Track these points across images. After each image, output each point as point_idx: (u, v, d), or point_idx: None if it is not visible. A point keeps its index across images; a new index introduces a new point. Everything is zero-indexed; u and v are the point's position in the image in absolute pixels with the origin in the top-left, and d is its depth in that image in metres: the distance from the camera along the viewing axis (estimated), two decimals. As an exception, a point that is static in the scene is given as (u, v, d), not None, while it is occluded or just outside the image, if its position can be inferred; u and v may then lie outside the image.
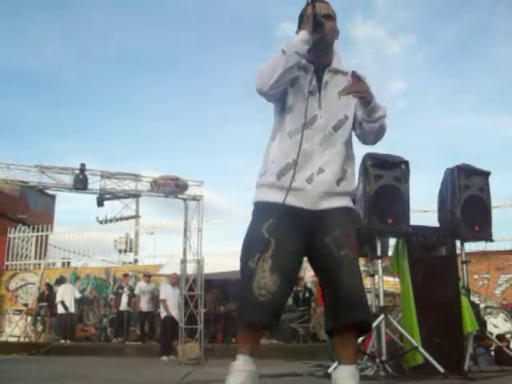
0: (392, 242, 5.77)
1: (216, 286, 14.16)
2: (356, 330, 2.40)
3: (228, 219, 16.91)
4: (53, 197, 30.19)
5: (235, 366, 2.34)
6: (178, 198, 10.15)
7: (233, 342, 13.49)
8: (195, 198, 10.21)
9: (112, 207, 16.78)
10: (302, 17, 2.65)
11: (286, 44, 2.43)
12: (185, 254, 10.22)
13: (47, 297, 14.46)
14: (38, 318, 14.71)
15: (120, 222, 17.21)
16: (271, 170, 2.51)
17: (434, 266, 5.11)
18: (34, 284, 15.69)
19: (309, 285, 13.76)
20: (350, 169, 2.58)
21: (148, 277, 13.68)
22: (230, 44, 52.46)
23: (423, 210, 12.04)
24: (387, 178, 4.91)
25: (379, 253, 5.09)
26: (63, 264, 17.46)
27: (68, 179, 9.35)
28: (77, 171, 9.16)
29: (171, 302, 10.93)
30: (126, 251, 17.48)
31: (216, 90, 52.12)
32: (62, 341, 13.19)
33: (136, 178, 9.89)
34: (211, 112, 51.52)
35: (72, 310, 13.72)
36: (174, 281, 11.16)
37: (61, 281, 14.34)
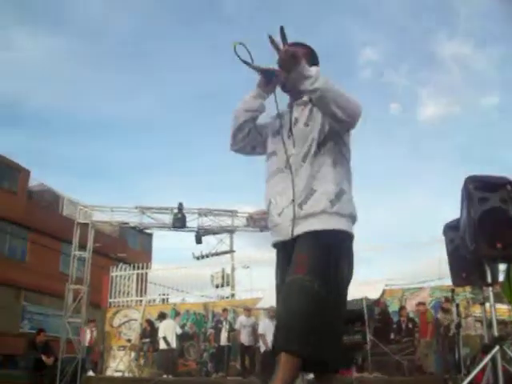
0: (502, 267, 5.47)
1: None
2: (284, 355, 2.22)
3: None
4: (150, 235, 31.29)
5: None
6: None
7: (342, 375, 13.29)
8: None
9: (207, 243, 17.07)
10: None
11: (238, 102, 2.57)
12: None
13: (149, 333, 14.80)
14: (141, 353, 15.06)
15: (215, 257, 17.47)
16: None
17: (549, 293, 4.79)
18: (136, 320, 16.12)
19: (411, 315, 13.30)
20: (322, 188, 2.48)
21: (248, 311, 13.67)
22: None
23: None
24: (493, 201, 4.65)
25: (489, 280, 4.82)
26: (163, 300, 17.86)
27: (167, 218, 9.66)
28: (175, 210, 9.44)
29: (270, 335, 10.86)
30: (222, 286, 17.64)
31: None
32: (165, 376, 13.39)
33: (232, 214, 10.06)
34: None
35: (173, 345, 13.92)
36: (272, 314, 11.13)
37: (162, 317, 14.62)
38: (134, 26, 47.18)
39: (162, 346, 13.78)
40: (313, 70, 2.32)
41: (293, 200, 2.44)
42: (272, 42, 2.28)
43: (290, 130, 2.58)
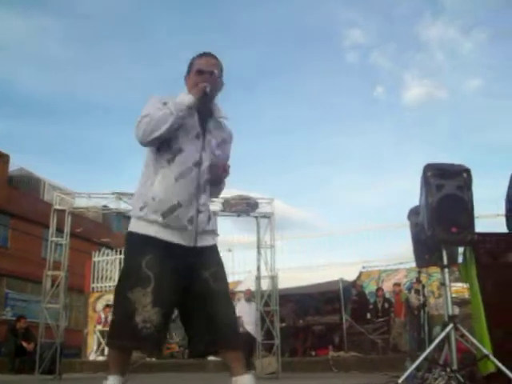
0: (460, 250, 5.70)
1: (293, 300, 14.24)
2: (236, 349, 2.76)
3: (302, 233, 17.00)
4: (133, 219, 31.30)
5: None
6: (250, 216, 10.38)
7: (312, 356, 13.57)
8: (266, 216, 10.40)
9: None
10: (190, 66, 2.87)
11: (173, 104, 2.63)
12: (259, 270, 10.40)
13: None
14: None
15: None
16: (153, 207, 2.64)
17: (503, 273, 5.01)
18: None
19: (387, 295, 13.61)
20: (210, 209, 2.87)
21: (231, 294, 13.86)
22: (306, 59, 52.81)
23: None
24: (449, 188, 4.85)
25: (446, 262, 5.05)
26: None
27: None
28: (139, 190, 9.55)
29: (246, 317, 11.08)
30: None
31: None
32: (148, 359, 13.57)
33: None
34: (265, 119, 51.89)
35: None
36: (248, 296, 11.35)
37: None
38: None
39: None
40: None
41: (200, 211, 2.71)
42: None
43: (204, 136, 2.77)
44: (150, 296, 2.52)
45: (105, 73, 50.90)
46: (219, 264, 2.77)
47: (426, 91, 49.58)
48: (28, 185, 28.15)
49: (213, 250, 2.78)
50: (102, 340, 15.38)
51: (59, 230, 10.33)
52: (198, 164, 2.69)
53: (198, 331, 2.69)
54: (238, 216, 10.31)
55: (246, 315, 11.09)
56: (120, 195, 10.07)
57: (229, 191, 10.37)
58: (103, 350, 15.27)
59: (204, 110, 2.79)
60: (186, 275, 2.63)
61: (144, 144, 2.67)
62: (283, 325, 12.60)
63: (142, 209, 2.67)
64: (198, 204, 2.68)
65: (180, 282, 2.62)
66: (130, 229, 2.73)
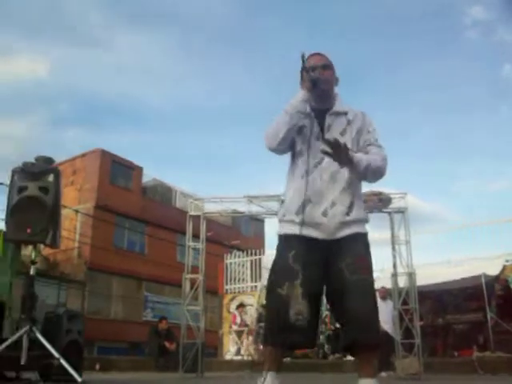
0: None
1: (431, 297, 13.71)
2: (366, 348, 2.63)
3: (437, 226, 16.38)
4: (262, 222, 31.82)
5: (259, 381, 2.63)
6: (383, 212, 10.11)
7: (454, 356, 12.98)
8: (400, 210, 10.07)
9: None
10: (302, 71, 2.85)
11: (288, 104, 2.74)
12: (395, 267, 10.09)
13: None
14: (258, 337, 15.42)
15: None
16: (288, 208, 2.82)
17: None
18: (251, 306, 16.52)
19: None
20: (358, 199, 2.82)
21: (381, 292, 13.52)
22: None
23: None
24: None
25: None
26: (277, 285, 18.13)
27: (275, 205, 9.87)
28: (282, 197, 9.58)
29: (383, 316, 10.73)
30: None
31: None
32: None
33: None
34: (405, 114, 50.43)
35: (290, 328, 14.10)
36: (383, 294, 11.03)
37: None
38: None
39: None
40: (359, 157, 2.70)
41: (334, 203, 2.72)
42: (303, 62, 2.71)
43: (322, 134, 2.80)
44: (299, 289, 2.60)
45: (225, 82, 52.33)
46: (358, 253, 2.71)
47: None
48: (160, 194, 29.54)
49: (353, 238, 2.73)
50: (237, 340, 15.75)
51: (194, 235, 10.66)
52: (321, 162, 2.76)
53: (341, 327, 2.76)
54: (370, 212, 10.05)
55: (383, 314, 10.61)
56: (251, 198, 10.22)
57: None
58: (239, 349, 15.62)
59: (321, 108, 2.85)
60: (327, 268, 2.69)
61: (272, 149, 2.81)
62: (421, 323, 12.14)
63: (283, 215, 2.86)
64: (331, 197, 2.73)
65: (322, 275, 2.69)
66: (277, 233, 2.88)
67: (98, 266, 24.08)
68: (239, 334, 15.15)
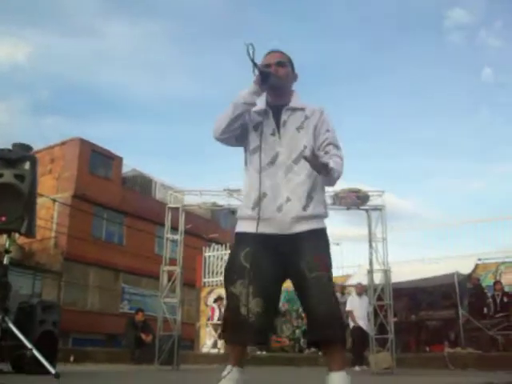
0: None
1: (406, 294, 13.87)
2: (331, 344, 2.64)
3: (414, 224, 16.55)
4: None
5: (223, 375, 2.65)
6: (360, 209, 10.21)
7: (426, 351, 13.16)
8: (377, 208, 10.18)
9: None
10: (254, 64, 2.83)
11: (236, 96, 2.75)
12: (371, 264, 10.20)
13: (242, 310, 15.14)
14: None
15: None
16: (244, 203, 2.83)
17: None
18: (229, 299, 16.55)
19: (507, 289, 12.90)
20: (317, 194, 2.79)
21: (341, 288, 13.61)
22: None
23: None
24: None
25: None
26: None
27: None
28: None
29: (358, 312, 10.91)
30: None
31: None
32: (258, 352, 13.74)
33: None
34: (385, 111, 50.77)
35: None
36: (359, 291, 11.18)
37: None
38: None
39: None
40: (333, 164, 2.65)
41: (289, 199, 2.71)
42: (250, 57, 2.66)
43: (278, 130, 2.82)
44: (249, 287, 2.61)
45: (210, 74, 52.14)
46: (316, 250, 2.69)
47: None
48: (140, 185, 29.38)
49: (311, 234, 2.71)
50: (214, 333, 15.80)
51: (172, 227, 10.65)
52: (276, 158, 2.77)
53: (306, 322, 2.75)
54: (348, 209, 10.15)
55: (358, 310, 10.94)
56: (231, 192, 10.25)
57: (337, 184, 10.26)
58: (216, 342, 15.67)
59: (278, 104, 2.86)
60: (284, 264, 2.70)
61: (216, 138, 2.82)
62: (395, 319, 12.29)
63: (239, 209, 2.89)
64: (286, 192, 2.71)
65: (278, 271, 2.71)
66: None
67: (75, 257, 23.86)
68: (217, 327, 15.16)
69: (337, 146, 2.82)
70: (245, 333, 2.60)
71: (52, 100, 52.12)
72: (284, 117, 2.84)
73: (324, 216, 2.83)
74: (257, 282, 2.62)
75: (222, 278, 17.32)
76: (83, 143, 26.02)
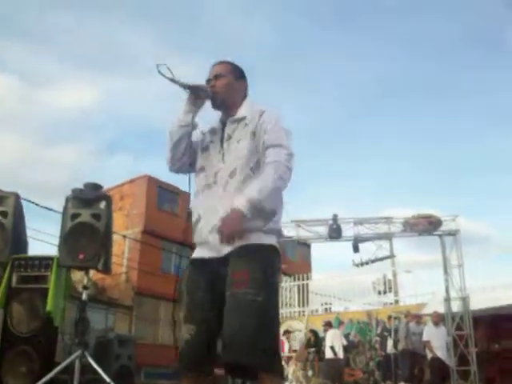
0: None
1: (486, 322, 13.27)
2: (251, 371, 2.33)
3: (488, 248, 15.95)
4: (308, 246, 31.64)
5: None
6: (433, 234, 9.93)
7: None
8: (451, 233, 9.86)
9: (366, 249, 16.93)
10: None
11: (172, 121, 2.65)
12: (447, 291, 9.87)
13: (314, 342, 14.90)
14: (307, 363, 15.20)
15: (376, 264, 17.27)
16: (193, 231, 2.65)
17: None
18: (299, 331, 16.33)
19: None
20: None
21: (417, 317, 13.16)
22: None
23: None
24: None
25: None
26: (325, 310, 17.92)
27: (322, 230, 9.84)
28: (330, 221, 9.59)
29: (435, 342, 10.47)
30: (385, 292, 17.34)
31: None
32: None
33: (388, 220, 9.93)
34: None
35: (340, 355, 13.79)
36: (436, 320, 10.74)
37: (329, 325, 14.55)
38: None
39: (329, 355, 13.64)
40: (256, 191, 2.40)
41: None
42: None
43: (222, 145, 2.63)
44: (184, 313, 2.54)
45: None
46: (239, 266, 2.40)
47: None
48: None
49: (242, 250, 2.42)
50: (285, 366, 15.55)
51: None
52: (217, 177, 2.57)
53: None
54: (419, 235, 9.89)
55: (435, 340, 10.51)
56: (299, 222, 10.23)
57: (406, 211, 10.09)
58: (286, 375, 15.40)
59: (226, 118, 2.69)
60: (222, 287, 2.42)
61: (172, 171, 2.74)
62: (476, 350, 11.75)
63: None
64: (221, 212, 2.44)
65: (211, 297, 2.49)
66: None
67: (145, 291, 24.27)
68: (287, 360, 14.93)
69: (278, 145, 2.50)
70: (181, 361, 2.50)
71: (117, 139, 53.86)
72: (228, 131, 2.63)
73: (259, 229, 2.48)
74: (190, 309, 2.51)
75: (290, 309, 17.24)
76: (150, 180, 26.75)
